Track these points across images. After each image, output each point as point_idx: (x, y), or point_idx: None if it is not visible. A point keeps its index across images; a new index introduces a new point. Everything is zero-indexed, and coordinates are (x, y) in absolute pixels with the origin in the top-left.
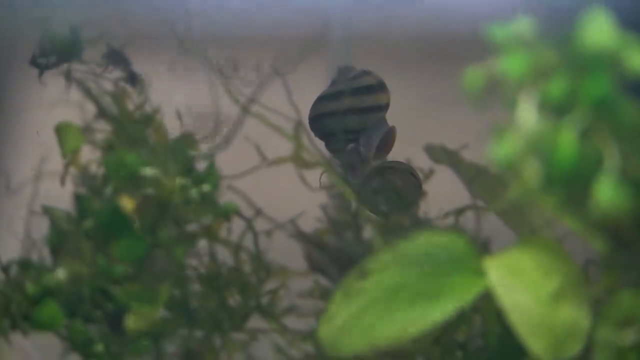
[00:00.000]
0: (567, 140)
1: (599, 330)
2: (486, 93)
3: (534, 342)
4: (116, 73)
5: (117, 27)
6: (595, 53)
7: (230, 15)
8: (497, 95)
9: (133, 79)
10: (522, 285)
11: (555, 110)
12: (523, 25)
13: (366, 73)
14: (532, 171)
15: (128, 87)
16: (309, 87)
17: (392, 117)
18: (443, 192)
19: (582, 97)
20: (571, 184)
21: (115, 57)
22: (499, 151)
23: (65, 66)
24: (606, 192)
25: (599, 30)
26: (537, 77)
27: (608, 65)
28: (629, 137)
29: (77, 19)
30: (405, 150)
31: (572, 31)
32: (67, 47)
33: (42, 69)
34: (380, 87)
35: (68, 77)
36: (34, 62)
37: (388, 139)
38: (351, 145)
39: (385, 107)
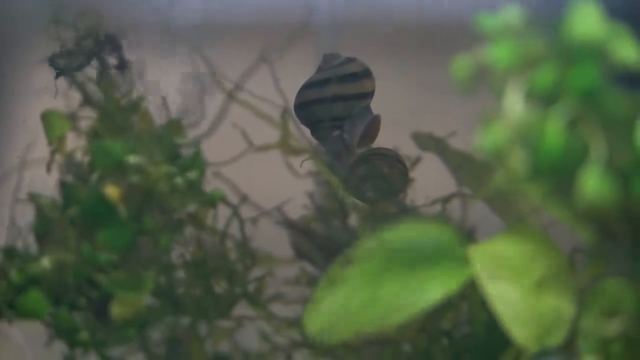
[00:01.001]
0: (554, 129)
1: (584, 319)
2: (475, 81)
3: (518, 331)
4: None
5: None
6: (583, 43)
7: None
8: (486, 83)
9: (123, 65)
10: (506, 274)
11: (542, 99)
12: (511, 15)
13: (351, 60)
14: (518, 160)
15: (117, 74)
16: (296, 74)
17: (381, 104)
18: (430, 179)
19: (569, 87)
20: (557, 173)
21: (112, 43)
22: (486, 139)
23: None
24: (592, 183)
25: (586, 20)
26: (525, 67)
27: (596, 56)
28: (616, 128)
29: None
30: (396, 137)
31: (560, 21)
32: (90, 53)
33: (60, 70)
34: (365, 74)
35: (54, 64)
36: (52, 63)
37: (372, 127)
38: (336, 133)
39: (371, 94)
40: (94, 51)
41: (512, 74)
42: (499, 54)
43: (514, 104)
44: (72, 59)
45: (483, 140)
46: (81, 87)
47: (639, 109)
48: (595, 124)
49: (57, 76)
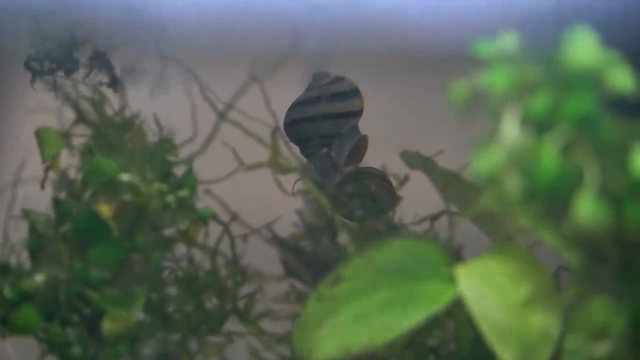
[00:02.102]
0: (549, 155)
1: (570, 339)
2: (471, 105)
3: (503, 349)
4: (96, 78)
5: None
6: (578, 71)
7: (208, 23)
8: (480, 107)
9: (115, 83)
10: (492, 293)
11: (537, 125)
12: (508, 41)
13: (340, 79)
14: (512, 184)
15: (109, 92)
16: (285, 93)
17: (371, 124)
18: (418, 197)
19: (564, 114)
20: (551, 198)
21: (100, 61)
22: (481, 163)
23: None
24: (586, 208)
25: (582, 47)
26: (521, 93)
27: (591, 83)
28: (610, 154)
29: (61, 25)
30: (385, 156)
31: (557, 48)
32: (64, 55)
33: (36, 73)
34: (354, 93)
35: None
36: (27, 66)
37: (360, 146)
38: (323, 151)
39: (359, 113)
40: (68, 55)
41: (508, 99)
42: (495, 79)
43: (510, 129)
44: (47, 62)
45: (478, 164)
46: (74, 105)
47: (633, 135)
48: (590, 150)
49: (32, 80)
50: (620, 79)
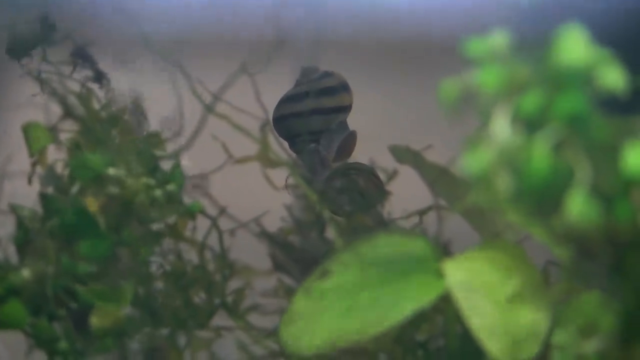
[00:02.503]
0: (540, 154)
1: (559, 334)
2: (461, 104)
3: (491, 344)
4: (83, 72)
5: (83, 27)
6: (569, 69)
7: (195, 16)
8: (472, 106)
9: (100, 77)
10: (480, 288)
11: (528, 124)
12: (498, 40)
13: (329, 74)
14: (503, 183)
15: (94, 86)
16: (274, 87)
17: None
18: (407, 192)
19: (555, 112)
20: (542, 197)
21: (82, 56)
22: (471, 162)
23: (39, 52)
24: (577, 206)
25: (573, 46)
26: (512, 91)
27: (582, 82)
28: (601, 152)
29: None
30: (374, 151)
31: (547, 46)
32: (39, 32)
33: (20, 55)
34: (343, 88)
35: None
36: (9, 51)
37: (348, 142)
38: (311, 146)
39: (348, 108)
40: (45, 36)
41: (499, 98)
42: (485, 78)
43: (501, 128)
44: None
45: (468, 162)
46: (61, 100)
47: (624, 133)
48: (581, 148)
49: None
50: (612, 77)
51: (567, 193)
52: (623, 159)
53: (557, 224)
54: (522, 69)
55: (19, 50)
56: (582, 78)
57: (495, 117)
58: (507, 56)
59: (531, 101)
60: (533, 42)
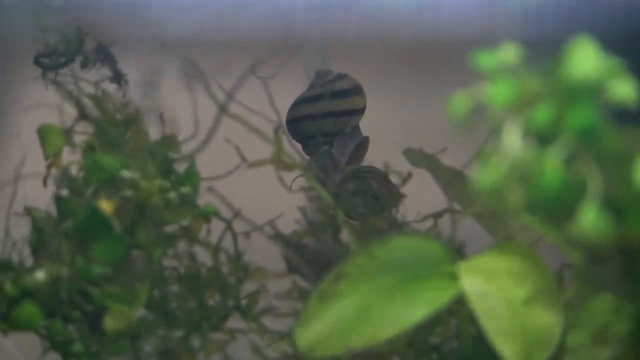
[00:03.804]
0: (552, 167)
1: (572, 337)
2: (472, 117)
3: (504, 347)
4: (99, 73)
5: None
6: (579, 82)
7: (210, 18)
8: (483, 119)
9: (119, 77)
10: (494, 291)
11: (540, 137)
12: (509, 53)
13: (342, 77)
14: (515, 197)
15: (113, 86)
16: (287, 90)
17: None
18: (421, 195)
19: (566, 125)
20: (554, 210)
21: (103, 54)
22: (483, 176)
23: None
24: (589, 219)
25: (584, 58)
26: (523, 105)
27: (592, 94)
28: (613, 165)
29: (60, 22)
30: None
31: (558, 59)
32: (73, 49)
33: (46, 69)
34: (356, 90)
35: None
36: (37, 62)
37: (361, 148)
38: (323, 148)
39: (362, 110)
40: (77, 49)
41: (510, 111)
42: (496, 92)
43: (512, 142)
44: (56, 58)
45: (481, 176)
46: (77, 102)
47: (636, 144)
48: (592, 161)
49: (43, 75)
50: (622, 89)
51: (579, 206)
52: (635, 170)
53: (569, 233)
54: (533, 82)
55: (49, 62)
56: (592, 90)
57: (507, 131)
58: (518, 69)
59: (542, 114)
60: (543, 54)
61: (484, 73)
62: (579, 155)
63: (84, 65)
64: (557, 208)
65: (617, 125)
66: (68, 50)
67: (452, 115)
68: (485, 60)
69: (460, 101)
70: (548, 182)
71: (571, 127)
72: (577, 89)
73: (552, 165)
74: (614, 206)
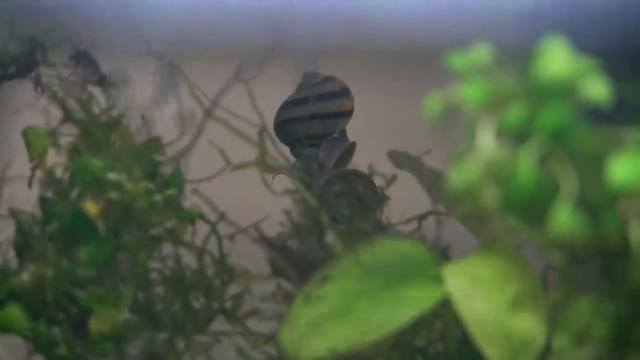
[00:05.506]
0: (526, 166)
1: (556, 339)
2: (446, 117)
3: (490, 349)
4: (83, 75)
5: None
6: (550, 81)
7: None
8: (457, 119)
9: (102, 80)
10: (479, 293)
11: (513, 136)
12: (481, 53)
13: (330, 79)
14: (489, 196)
15: (97, 89)
16: (274, 93)
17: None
18: (405, 197)
19: (539, 125)
20: (529, 208)
21: (83, 59)
22: (458, 176)
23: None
24: (563, 219)
25: (556, 57)
26: (496, 104)
27: (565, 93)
28: (586, 164)
29: (43, 23)
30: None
31: (530, 58)
32: (25, 60)
33: (1, 79)
34: (344, 93)
35: (37, 81)
36: None
37: (347, 153)
38: (308, 150)
39: (350, 113)
40: (29, 60)
41: (483, 111)
42: (469, 92)
43: (486, 141)
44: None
45: (455, 176)
46: (61, 103)
47: (610, 144)
48: (566, 160)
49: None
50: (595, 88)
51: (553, 205)
52: (609, 169)
53: (546, 233)
54: (506, 82)
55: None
56: (564, 90)
57: (480, 131)
58: (491, 69)
59: (515, 114)
60: (516, 54)
61: (458, 73)
62: (552, 155)
63: (35, 84)
64: (532, 208)
65: (591, 124)
66: (20, 62)
67: (427, 115)
68: (458, 60)
69: (434, 101)
70: (522, 182)
71: (543, 126)
72: (548, 88)
73: (526, 165)
74: (588, 206)
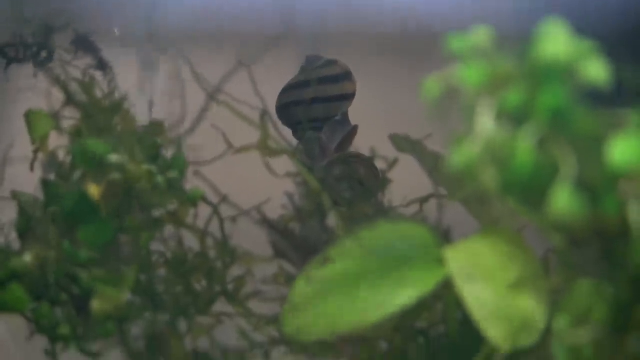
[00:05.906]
0: (525, 149)
1: (557, 321)
2: (446, 100)
3: (491, 331)
4: (86, 60)
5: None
6: (551, 63)
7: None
8: (457, 102)
9: (103, 66)
10: (480, 275)
11: (512, 119)
12: (481, 35)
13: (333, 62)
14: (489, 178)
15: (98, 74)
16: (277, 76)
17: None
18: (407, 180)
19: (538, 107)
20: (528, 191)
21: (84, 44)
22: (457, 158)
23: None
24: (562, 200)
25: (555, 40)
26: (495, 87)
27: (563, 76)
28: (585, 146)
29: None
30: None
31: (530, 40)
32: (41, 44)
33: (10, 61)
34: (346, 76)
35: (38, 64)
36: (2, 53)
37: (349, 136)
38: (311, 133)
39: (352, 96)
40: (44, 43)
41: (482, 94)
42: (469, 74)
43: (485, 124)
44: (20, 51)
45: (454, 158)
46: (64, 87)
47: (608, 126)
48: (565, 142)
49: (6, 66)
50: (594, 70)
51: (552, 187)
52: (607, 151)
53: (544, 218)
54: (505, 65)
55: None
56: (563, 72)
57: (479, 113)
58: (490, 52)
59: (514, 96)
60: (516, 37)
61: (457, 56)
62: (551, 137)
63: (41, 64)
64: (531, 190)
65: (590, 106)
66: (34, 44)
67: (425, 98)
68: (458, 43)
69: (433, 84)
70: (521, 164)
71: (542, 109)
72: (547, 70)
73: (525, 147)
74: (587, 188)
